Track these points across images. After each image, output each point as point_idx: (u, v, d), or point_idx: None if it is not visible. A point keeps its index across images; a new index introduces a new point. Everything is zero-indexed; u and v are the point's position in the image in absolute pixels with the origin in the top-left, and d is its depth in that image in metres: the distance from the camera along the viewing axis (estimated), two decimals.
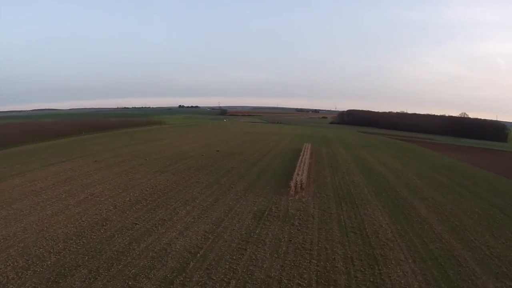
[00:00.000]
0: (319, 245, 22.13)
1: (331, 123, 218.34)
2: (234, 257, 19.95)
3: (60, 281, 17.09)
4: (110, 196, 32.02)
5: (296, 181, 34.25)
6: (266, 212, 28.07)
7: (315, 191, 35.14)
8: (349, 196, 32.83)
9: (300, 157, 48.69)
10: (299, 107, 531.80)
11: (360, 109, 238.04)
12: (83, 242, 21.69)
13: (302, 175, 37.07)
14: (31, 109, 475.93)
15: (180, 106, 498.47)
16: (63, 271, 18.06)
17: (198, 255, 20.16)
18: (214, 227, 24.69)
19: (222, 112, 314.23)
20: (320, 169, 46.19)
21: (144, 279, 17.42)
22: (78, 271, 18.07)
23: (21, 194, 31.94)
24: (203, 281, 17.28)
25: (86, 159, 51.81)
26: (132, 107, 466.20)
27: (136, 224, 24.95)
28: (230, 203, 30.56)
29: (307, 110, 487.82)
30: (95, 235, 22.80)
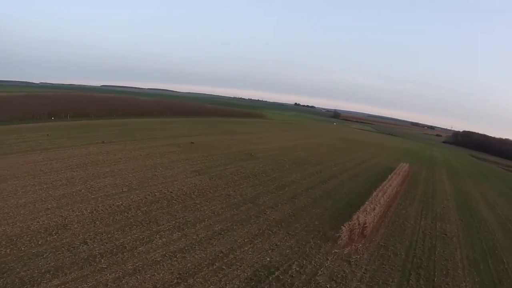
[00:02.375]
0: None
1: (444, 142, 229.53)
2: None
3: None
4: (107, 194, 29.80)
5: (356, 223, 24.51)
6: (277, 273, 19.62)
7: (380, 244, 25.82)
8: (428, 262, 24.45)
9: (386, 181, 43.40)
10: (415, 121, 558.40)
11: (476, 131, 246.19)
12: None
13: (372, 211, 28.90)
14: (148, 87, 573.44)
15: (295, 104, 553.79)
16: None
17: None
18: (176, 280, 18.00)
19: (334, 115, 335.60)
20: (406, 203, 39.62)
21: None
22: None
23: (24, 172, 33.19)
24: None
25: (134, 143, 53.56)
26: (248, 99, 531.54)
27: (85, 244, 20.71)
28: (238, 241, 23.36)
29: (423, 125, 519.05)
30: (25, 247, 19.57)
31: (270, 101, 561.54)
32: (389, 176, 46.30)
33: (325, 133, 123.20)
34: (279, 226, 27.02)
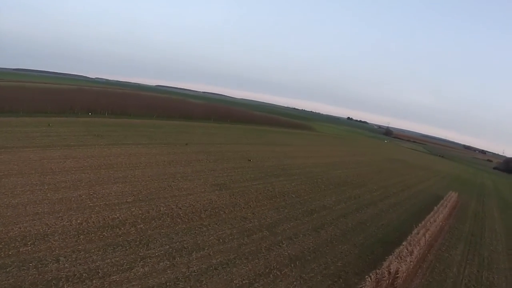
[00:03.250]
0: None
1: (494, 168, 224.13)
2: None
3: None
4: (107, 204, 28.69)
5: (386, 271, 20.16)
6: None
7: None
8: None
9: (431, 213, 39.93)
10: (467, 144, 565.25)
11: None
12: None
13: (409, 256, 24.77)
14: (203, 91, 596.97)
15: (348, 118, 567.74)
16: None
17: None
18: None
19: (386, 132, 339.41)
20: (451, 243, 35.44)
21: None
22: None
23: (33, 168, 33.49)
24: None
25: (162, 147, 53.55)
26: (302, 109, 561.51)
27: (57, 262, 18.96)
28: (234, 281, 20.14)
29: (474, 149, 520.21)
30: None
31: (324, 113, 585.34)
32: (435, 208, 43.02)
33: (373, 151, 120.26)
34: (292, 265, 23.35)
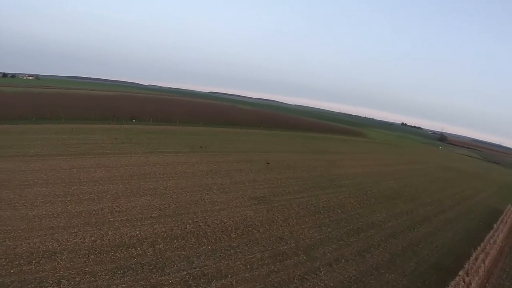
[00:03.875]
0: None
1: None
2: None
3: None
4: (129, 219, 27.59)
5: None
6: None
7: None
8: None
9: (490, 232, 37.31)
10: None
11: None
12: None
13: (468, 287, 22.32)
14: (257, 97, 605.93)
15: (402, 123, 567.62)
16: None
17: None
18: None
19: (441, 138, 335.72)
20: None
21: None
22: None
23: (59, 178, 33.65)
24: None
25: (202, 156, 53.20)
26: (355, 115, 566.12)
27: (57, 285, 17.46)
28: None
29: None
30: None
31: (377, 119, 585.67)
32: (495, 226, 40.43)
33: (427, 159, 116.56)
34: None
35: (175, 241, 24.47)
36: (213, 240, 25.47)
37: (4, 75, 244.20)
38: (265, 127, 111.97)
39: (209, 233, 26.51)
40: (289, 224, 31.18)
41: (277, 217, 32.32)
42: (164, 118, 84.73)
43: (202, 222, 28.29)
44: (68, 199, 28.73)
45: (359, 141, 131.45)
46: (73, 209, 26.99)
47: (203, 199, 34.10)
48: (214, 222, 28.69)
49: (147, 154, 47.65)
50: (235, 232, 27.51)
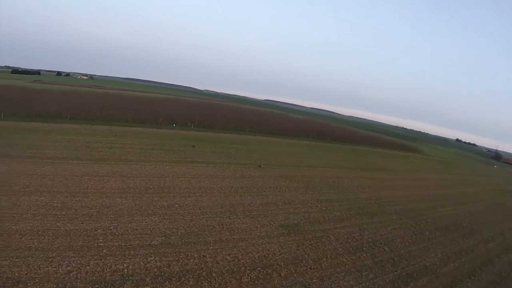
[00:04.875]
0: None
1: None
2: None
3: None
4: (121, 245, 23.45)
5: None
6: None
7: None
8: None
9: None
10: None
11: None
12: None
13: None
14: (310, 106, 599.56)
15: (457, 139, 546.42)
16: None
17: None
18: None
19: (496, 157, 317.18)
20: None
21: None
22: None
23: (65, 186, 30.80)
24: None
25: (236, 168, 48.98)
26: (410, 129, 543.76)
27: None
28: None
29: None
30: None
31: (432, 134, 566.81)
32: None
33: (483, 180, 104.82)
34: None
35: (167, 283, 19.55)
36: (216, 285, 20.23)
37: (59, 73, 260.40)
38: (315, 138, 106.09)
39: (214, 274, 21.29)
40: (321, 265, 25.01)
41: (308, 254, 26.28)
42: (207, 124, 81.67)
43: (211, 257, 23.17)
44: (63, 213, 25.41)
45: (414, 158, 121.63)
46: (62, 227, 23.45)
47: (222, 224, 29.12)
48: (226, 259, 23.43)
49: (174, 164, 44.00)
50: (248, 275, 21.99)
